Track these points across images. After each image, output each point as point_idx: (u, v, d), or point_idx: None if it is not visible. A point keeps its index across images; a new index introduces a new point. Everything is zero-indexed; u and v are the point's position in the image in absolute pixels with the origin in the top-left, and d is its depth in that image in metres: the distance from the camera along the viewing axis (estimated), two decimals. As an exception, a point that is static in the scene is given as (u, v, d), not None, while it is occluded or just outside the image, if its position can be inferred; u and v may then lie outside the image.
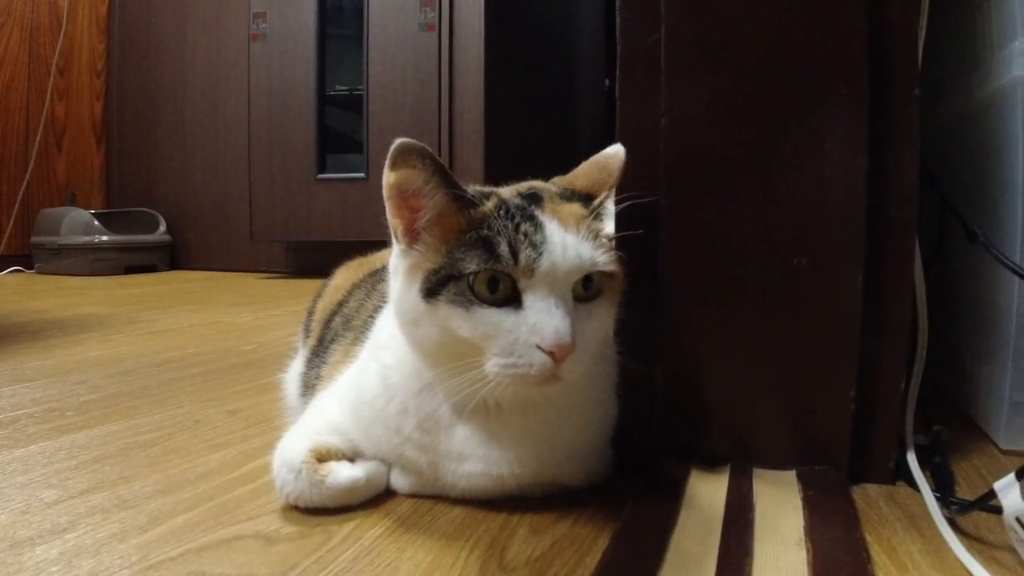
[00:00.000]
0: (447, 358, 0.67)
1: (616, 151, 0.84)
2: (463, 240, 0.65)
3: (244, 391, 1.26)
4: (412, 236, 0.69)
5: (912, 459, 0.81)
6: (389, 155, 0.64)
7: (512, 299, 0.64)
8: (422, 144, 0.64)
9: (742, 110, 0.80)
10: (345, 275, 1.17)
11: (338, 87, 3.52)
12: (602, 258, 0.67)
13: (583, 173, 0.82)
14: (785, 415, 0.83)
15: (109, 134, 4.14)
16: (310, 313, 1.18)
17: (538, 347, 0.62)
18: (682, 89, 0.82)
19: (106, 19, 4.10)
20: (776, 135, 0.79)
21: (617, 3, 0.86)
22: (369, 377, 0.77)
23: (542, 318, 0.63)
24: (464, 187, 0.67)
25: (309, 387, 1.00)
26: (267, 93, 3.48)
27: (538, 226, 0.65)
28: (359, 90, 3.47)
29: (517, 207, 0.67)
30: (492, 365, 0.64)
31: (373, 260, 1.16)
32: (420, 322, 0.67)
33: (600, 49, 5.42)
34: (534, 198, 0.70)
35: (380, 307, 0.90)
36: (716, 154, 0.82)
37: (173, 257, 3.92)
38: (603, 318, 0.70)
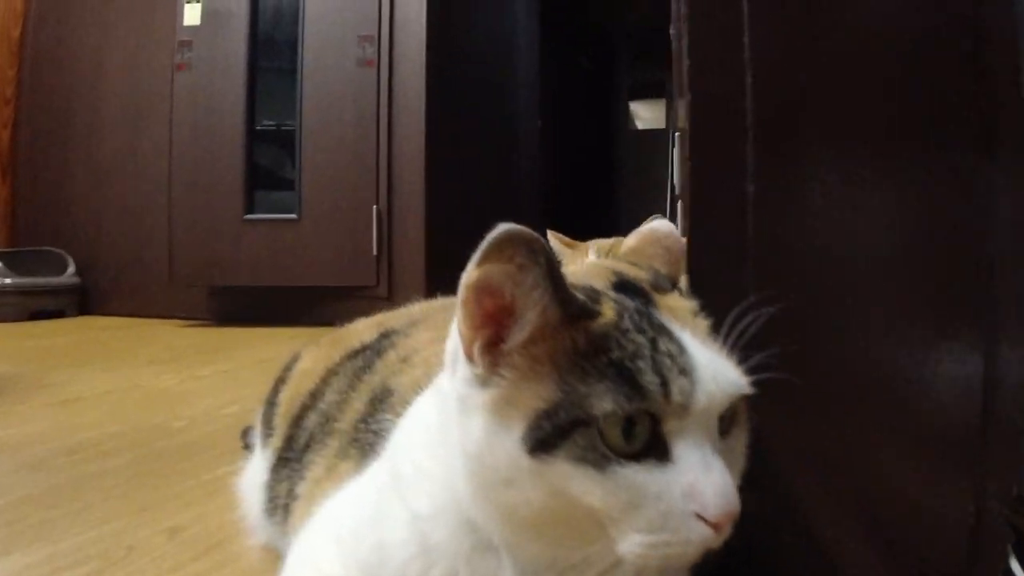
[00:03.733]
0: (552, 535, 0.48)
1: (670, 229, 0.68)
2: (584, 365, 0.47)
3: (183, 495, 1.04)
4: (495, 356, 0.50)
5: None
6: (484, 245, 0.46)
7: (651, 448, 0.46)
8: (534, 233, 0.46)
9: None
10: (315, 357, 0.96)
11: (265, 122, 3.31)
12: (744, 377, 0.51)
13: (648, 251, 0.65)
14: (882, 551, 0.67)
15: (16, 166, 3.79)
16: (271, 404, 0.97)
17: (698, 516, 0.45)
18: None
19: (18, 43, 3.77)
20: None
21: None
22: (394, 531, 0.56)
23: (700, 476, 0.45)
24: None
25: (279, 507, 0.80)
26: (191, 126, 3.25)
27: (676, 341, 0.48)
28: (288, 125, 3.28)
29: (639, 313, 0.50)
30: (631, 544, 0.45)
31: (348, 336, 0.96)
32: (517, 483, 0.47)
33: (535, 87, 5.35)
34: (641, 294, 0.53)
35: (378, 412, 0.72)
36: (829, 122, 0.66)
37: (83, 301, 3.59)
38: (743, 454, 0.53)
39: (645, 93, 7.36)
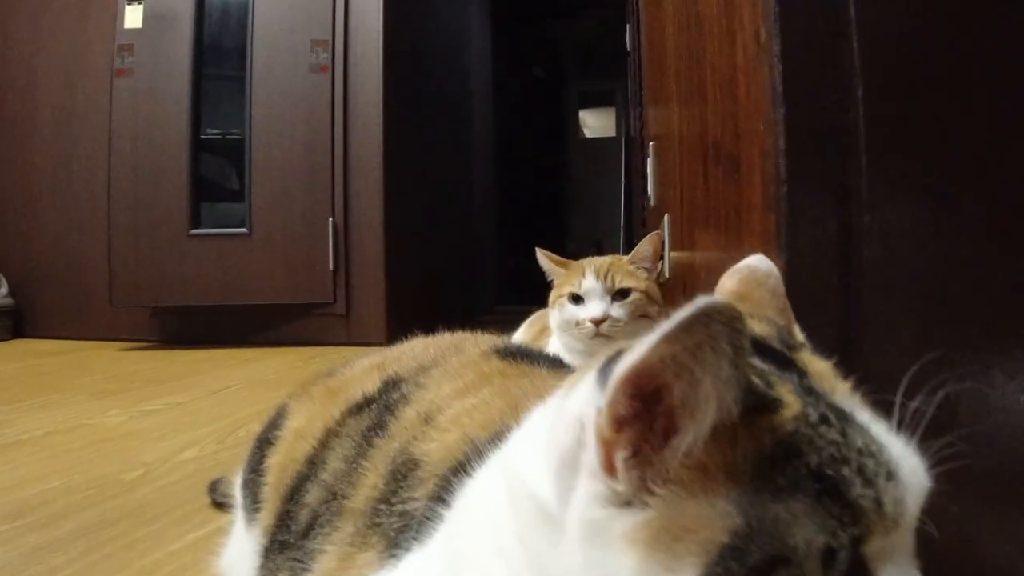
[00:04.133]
0: None
1: (771, 267, 0.55)
2: (774, 478, 0.34)
3: (150, 573, 0.89)
4: (643, 468, 0.36)
5: None
6: (673, 326, 0.32)
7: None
8: (734, 307, 0.32)
9: None
10: (308, 413, 0.81)
11: (210, 131, 3.14)
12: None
13: (755, 295, 0.52)
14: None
15: (-62, 179, 3.54)
16: (255, 471, 0.82)
17: None
18: None
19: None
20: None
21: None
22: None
23: None
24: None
25: (278, 602, 0.67)
26: (132, 136, 3.05)
27: (866, 431, 0.36)
28: (233, 134, 3.11)
29: (809, 392, 0.37)
30: None
31: (345, 386, 0.81)
32: None
33: (489, 95, 5.24)
34: (782, 360, 0.40)
35: (403, 490, 0.59)
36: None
37: (17, 324, 3.34)
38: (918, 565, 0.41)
39: (595, 102, 7.32)
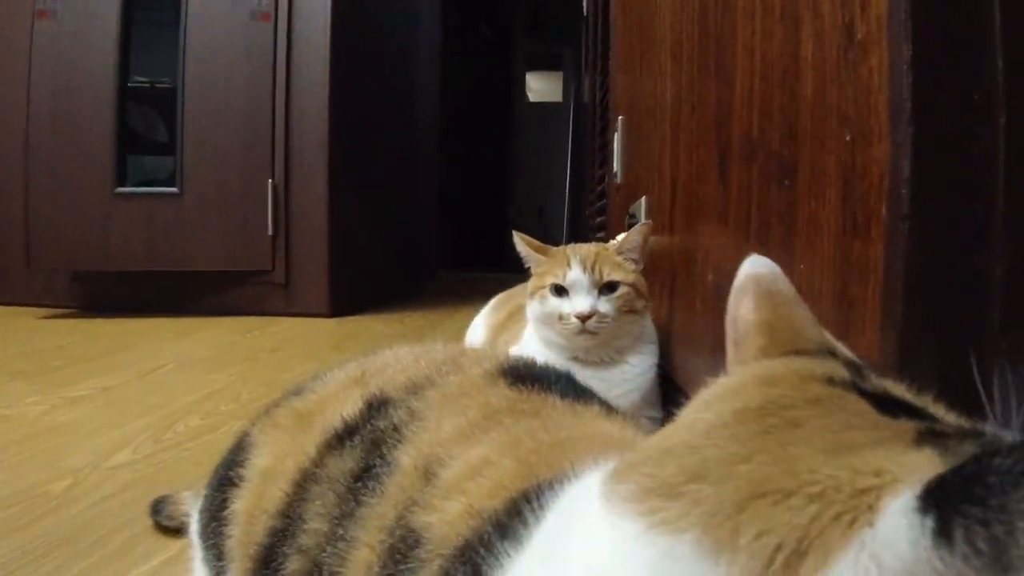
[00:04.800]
0: None
1: (772, 268, 0.43)
2: None
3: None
4: None
5: None
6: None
7: None
8: None
9: None
10: (277, 448, 0.66)
11: (138, 79, 2.90)
12: None
13: (776, 320, 0.41)
14: None
15: None
16: (216, 518, 0.67)
17: None
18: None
19: None
20: None
21: None
22: None
23: None
24: None
25: None
26: (53, 83, 2.82)
27: None
28: (163, 83, 2.87)
29: None
30: None
31: (320, 409, 0.66)
32: None
33: (436, 54, 5.05)
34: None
35: (402, 574, 0.46)
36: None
37: (-79, 287, 3.08)
38: None
39: (542, 64, 7.15)
